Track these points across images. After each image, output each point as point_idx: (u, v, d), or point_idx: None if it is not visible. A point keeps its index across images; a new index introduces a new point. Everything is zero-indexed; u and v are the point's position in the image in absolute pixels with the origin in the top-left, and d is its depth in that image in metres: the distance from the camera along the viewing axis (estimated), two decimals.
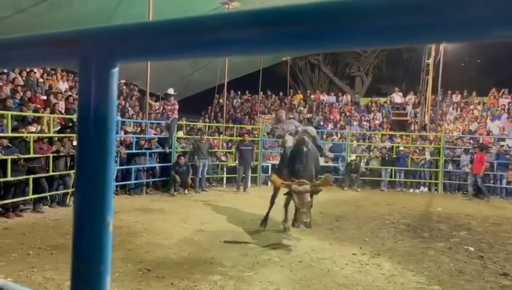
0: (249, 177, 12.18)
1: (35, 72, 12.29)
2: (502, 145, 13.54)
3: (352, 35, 0.44)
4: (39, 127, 8.66)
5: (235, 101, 20.84)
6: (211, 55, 0.56)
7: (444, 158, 13.26)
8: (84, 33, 0.57)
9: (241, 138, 12.72)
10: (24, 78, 11.54)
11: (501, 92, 18.02)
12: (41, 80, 12.19)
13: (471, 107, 17.74)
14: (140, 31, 0.55)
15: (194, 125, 14.55)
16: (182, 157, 11.03)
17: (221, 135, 14.17)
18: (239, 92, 21.31)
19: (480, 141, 14.08)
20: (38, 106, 10.01)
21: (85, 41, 0.57)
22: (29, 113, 9.05)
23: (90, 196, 0.57)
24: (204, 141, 11.66)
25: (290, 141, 6.71)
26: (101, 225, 0.57)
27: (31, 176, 7.69)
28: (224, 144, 13.65)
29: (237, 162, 12.16)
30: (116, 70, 0.57)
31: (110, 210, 0.57)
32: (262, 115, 19.02)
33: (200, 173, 11.45)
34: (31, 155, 7.76)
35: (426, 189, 13.51)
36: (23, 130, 8.03)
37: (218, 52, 0.55)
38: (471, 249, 6.35)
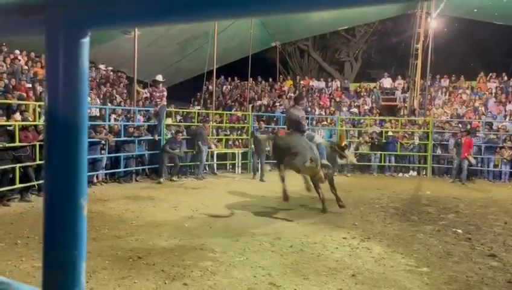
0: (264, 165, 12.40)
1: (19, 60, 12.03)
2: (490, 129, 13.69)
3: None
4: (25, 114, 8.50)
5: (224, 87, 20.68)
6: (192, 19, 0.52)
7: (433, 142, 13.37)
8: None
9: (257, 125, 13.05)
10: (8, 65, 11.29)
11: (489, 76, 18.16)
12: (25, 67, 11.95)
13: (460, 91, 17.85)
14: None
15: (185, 112, 14.44)
16: (180, 134, 10.97)
17: (211, 122, 14.09)
18: (229, 79, 21.14)
19: (468, 126, 14.19)
20: (23, 94, 9.82)
21: (51, 8, 0.52)
22: (14, 101, 8.88)
23: (62, 178, 0.53)
24: (206, 128, 11.79)
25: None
26: (73, 208, 0.53)
27: (17, 165, 7.57)
28: (214, 131, 13.58)
29: (253, 149, 12.53)
30: (86, 40, 0.52)
31: (84, 192, 0.54)
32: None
33: (203, 159, 11.59)
34: (17, 144, 7.63)
35: (415, 173, 13.63)
36: (4, 118, 7.87)
37: (197, 15, 0.50)
38: (459, 231, 6.44)
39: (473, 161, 12.09)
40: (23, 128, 7.96)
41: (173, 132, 11.79)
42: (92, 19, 0.52)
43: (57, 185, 0.53)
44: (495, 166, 12.79)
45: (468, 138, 12.09)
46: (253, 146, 12.34)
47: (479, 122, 14.29)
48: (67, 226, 0.53)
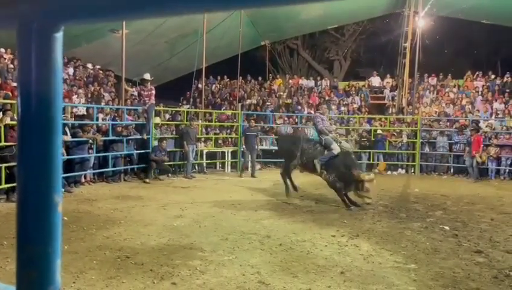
0: (255, 162, 12.43)
1: (5, 58, 11.87)
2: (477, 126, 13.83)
3: None
4: (11, 114, 8.37)
5: (213, 86, 20.63)
6: (170, 13, 0.51)
7: (421, 140, 13.49)
8: None
9: (248, 124, 12.99)
10: None
11: (475, 75, 18.39)
12: (11, 65, 11.79)
13: (447, 90, 18.04)
14: None
15: (174, 111, 14.37)
16: (164, 142, 10.97)
17: (200, 121, 14.07)
18: (218, 77, 21.08)
19: (457, 124, 14.33)
20: (9, 93, 9.69)
21: (23, 0, 0.51)
22: (0, 100, 8.75)
23: (36, 174, 0.52)
24: (193, 127, 11.76)
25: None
26: (48, 205, 0.52)
27: (3, 165, 7.47)
28: (203, 130, 13.54)
29: (243, 147, 12.54)
30: (59, 34, 0.51)
31: (58, 188, 0.53)
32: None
33: (191, 158, 11.58)
34: (2, 144, 7.52)
35: (404, 171, 13.75)
36: None
37: (175, 8, 0.50)
38: (447, 228, 6.51)
39: (480, 159, 12.07)
40: (9, 128, 7.84)
41: (158, 136, 11.76)
42: (65, 12, 0.51)
43: (31, 181, 0.52)
44: (482, 163, 12.93)
45: (478, 136, 12.04)
46: (244, 144, 12.40)
47: (465, 120, 14.46)
48: (41, 223, 0.52)
